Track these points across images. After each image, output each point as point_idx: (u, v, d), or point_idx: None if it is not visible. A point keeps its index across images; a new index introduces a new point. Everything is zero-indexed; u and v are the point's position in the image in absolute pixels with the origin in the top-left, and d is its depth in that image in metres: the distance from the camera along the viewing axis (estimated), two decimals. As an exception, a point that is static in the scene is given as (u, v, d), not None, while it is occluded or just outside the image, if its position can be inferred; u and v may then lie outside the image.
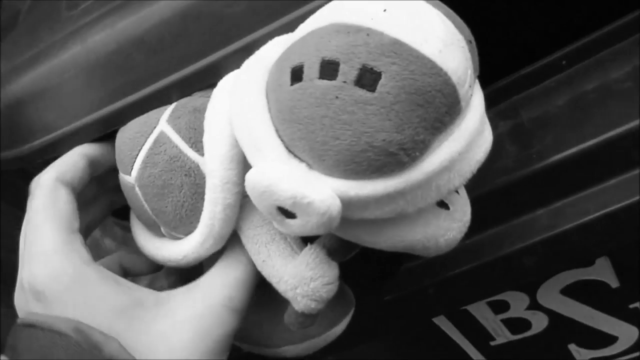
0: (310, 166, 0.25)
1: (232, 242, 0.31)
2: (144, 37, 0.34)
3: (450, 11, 0.26)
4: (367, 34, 0.23)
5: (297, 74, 0.25)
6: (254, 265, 0.31)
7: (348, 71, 0.23)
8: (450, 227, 0.27)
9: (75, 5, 0.41)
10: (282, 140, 0.26)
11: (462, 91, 0.24)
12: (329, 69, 0.23)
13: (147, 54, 0.34)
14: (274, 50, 0.28)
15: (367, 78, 0.23)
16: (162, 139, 0.32)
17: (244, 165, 0.29)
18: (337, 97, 0.23)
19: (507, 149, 0.37)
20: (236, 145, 0.28)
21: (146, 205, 0.32)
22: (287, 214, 0.25)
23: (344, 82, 0.23)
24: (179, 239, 0.32)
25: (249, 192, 0.25)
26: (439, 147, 0.24)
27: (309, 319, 0.29)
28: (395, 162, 0.24)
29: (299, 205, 0.24)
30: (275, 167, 0.25)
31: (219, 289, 0.30)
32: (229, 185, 0.29)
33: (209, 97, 0.31)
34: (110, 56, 0.35)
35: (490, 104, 0.36)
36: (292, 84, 0.24)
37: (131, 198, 0.33)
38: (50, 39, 0.39)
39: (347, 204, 0.24)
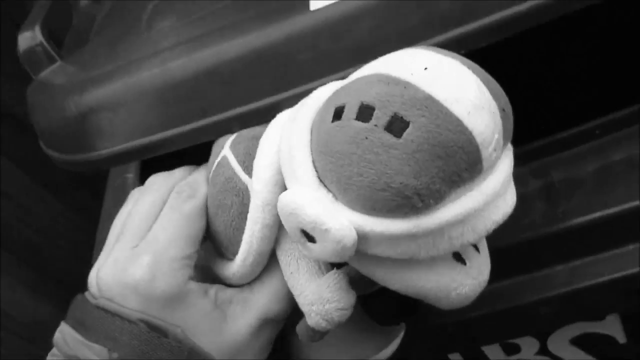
0: (335, 197, 0.27)
1: (273, 259, 0.34)
2: (218, 69, 0.37)
3: (490, 78, 0.28)
4: (405, 87, 0.26)
5: (338, 113, 0.27)
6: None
7: (381, 116, 0.25)
8: (464, 282, 0.29)
9: (154, 25, 0.44)
10: (316, 169, 0.28)
11: (485, 152, 0.26)
12: (365, 113, 0.26)
13: (219, 85, 0.37)
14: (326, 93, 0.30)
15: (397, 125, 0.25)
16: (223, 162, 0.34)
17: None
18: (366, 138, 0.25)
19: (536, 205, 0.40)
20: (280, 172, 0.31)
21: (209, 226, 0.35)
22: (309, 237, 0.27)
23: (375, 125, 0.25)
24: (231, 260, 0.35)
25: (279, 212, 0.28)
26: (456, 201, 0.26)
27: (317, 334, 0.31)
28: (410, 205, 0.25)
29: (318, 230, 0.26)
30: (304, 193, 0.27)
31: (263, 302, 0.33)
32: (269, 207, 0.31)
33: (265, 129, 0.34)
34: (185, 82, 0.38)
35: (525, 161, 0.40)
36: (332, 121, 0.27)
37: None
38: (129, 56, 0.42)
39: (362, 237, 0.27)
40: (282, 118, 0.33)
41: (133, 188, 0.55)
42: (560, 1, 0.31)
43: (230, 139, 0.36)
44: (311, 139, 0.29)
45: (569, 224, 0.39)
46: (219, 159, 0.35)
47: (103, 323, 0.31)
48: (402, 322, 0.36)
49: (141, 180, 0.54)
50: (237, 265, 0.34)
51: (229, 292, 0.34)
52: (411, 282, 0.28)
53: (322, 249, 0.27)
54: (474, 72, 0.27)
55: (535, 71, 0.41)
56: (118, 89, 0.41)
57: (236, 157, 0.34)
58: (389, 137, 0.25)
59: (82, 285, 0.35)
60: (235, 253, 0.34)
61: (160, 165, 0.51)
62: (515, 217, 0.36)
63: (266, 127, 0.34)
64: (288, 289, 0.33)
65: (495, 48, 0.34)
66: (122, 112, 0.41)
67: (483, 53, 0.33)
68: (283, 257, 0.32)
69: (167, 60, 0.39)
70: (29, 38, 0.47)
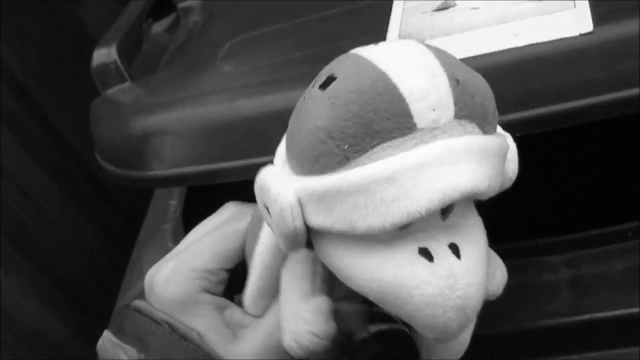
0: (290, 166, 0.27)
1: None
2: (283, 114, 0.39)
3: (448, 54, 0.27)
4: (350, 56, 0.27)
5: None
6: None
7: (319, 78, 0.26)
8: (427, 280, 0.25)
9: (228, 63, 0.47)
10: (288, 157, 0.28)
11: (416, 107, 0.24)
12: (327, 82, 0.26)
13: (282, 128, 0.40)
14: None
15: (327, 81, 0.25)
16: None
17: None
18: (304, 98, 0.27)
19: (563, 294, 0.41)
20: None
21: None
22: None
23: (312, 86, 0.26)
24: None
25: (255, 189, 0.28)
26: (383, 157, 0.24)
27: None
28: (327, 152, 0.25)
29: (268, 201, 0.26)
30: (268, 169, 0.27)
31: (270, 327, 0.32)
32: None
33: None
34: (251, 120, 0.41)
35: (560, 251, 0.41)
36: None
37: None
38: (200, 88, 0.45)
39: (303, 204, 0.26)
40: None
41: (175, 214, 0.57)
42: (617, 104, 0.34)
43: None
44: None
45: (592, 317, 0.40)
46: None
47: (135, 324, 0.32)
48: None
49: (184, 206, 0.56)
50: (249, 290, 0.33)
51: (248, 317, 0.34)
52: (369, 272, 0.26)
53: (272, 221, 0.27)
54: (428, 47, 0.26)
55: (584, 169, 0.43)
56: (185, 117, 0.43)
57: None
58: (317, 92, 0.26)
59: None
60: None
61: (205, 195, 0.53)
62: (541, 302, 0.38)
63: None
64: None
65: (549, 139, 0.36)
66: (185, 137, 0.43)
67: (536, 141, 0.35)
68: (285, 276, 0.31)
69: (237, 98, 0.42)
70: (104, 55, 0.50)
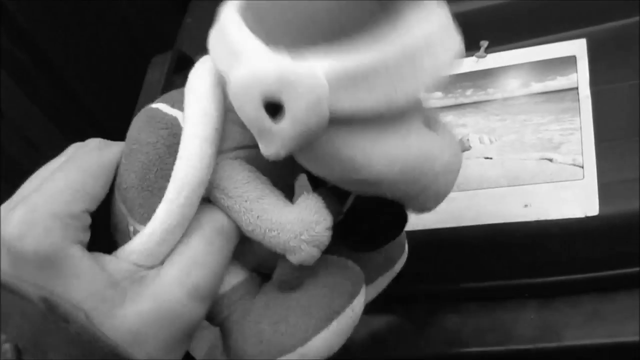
0: (292, 48, 0.24)
1: (193, 225, 0.28)
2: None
3: None
4: None
5: None
6: (221, 237, 0.28)
7: None
8: (443, 148, 0.26)
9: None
10: (261, 39, 0.24)
11: None
12: None
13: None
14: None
15: None
16: (141, 112, 0.29)
17: (223, 117, 0.28)
18: None
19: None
20: (217, 93, 0.27)
21: (117, 196, 0.29)
22: (275, 111, 0.23)
23: None
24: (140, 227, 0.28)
25: (234, 98, 0.24)
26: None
27: (303, 273, 0.28)
28: (369, 12, 0.23)
29: (286, 87, 0.23)
30: (258, 54, 0.24)
31: (181, 274, 0.27)
32: (207, 118, 0.27)
33: None
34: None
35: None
36: None
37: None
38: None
39: (333, 86, 0.23)
40: (201, 62, 0.29)
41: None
42: None
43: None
44: (244, 19, 0.25)
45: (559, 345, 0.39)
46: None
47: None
48: (394, 236, 0.31)
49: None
50: (147, 233, 0.27)
51: (143, 270, 0.27)
52: (393, 152, 0.25)
53: (293, 115, 0.23)
54: None
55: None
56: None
57: (160, 101, 0.29)
58: None
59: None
60: (150, 212, 0.27)
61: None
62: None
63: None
64: (211, 255, 0.27)
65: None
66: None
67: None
68: (237, 206, 0.27)
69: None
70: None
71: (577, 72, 0.43)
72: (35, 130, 0.87)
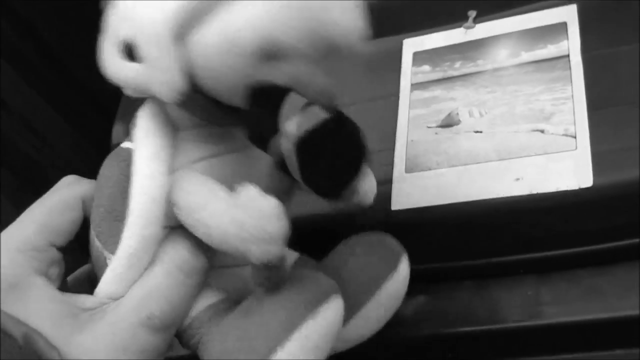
0: None
1: (158, 256, 0.29)
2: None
3: None
4: None
5: None
6: (181, 272, 0.29)
7: None
8: None
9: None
10: None
11: None
12: None
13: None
14: None
15: None
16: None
17: (171, 135, 0.29)
18: None
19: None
20: (158, 115, 0.29)
21: (92, 232, 0.30)
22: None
23: None
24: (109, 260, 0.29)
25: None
26: None
27: (274, 270, 0.28)
28: None
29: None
30: None
31: (137, 304, 0.28)
32: (152, 137, 0.29)
33: None
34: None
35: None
36: None
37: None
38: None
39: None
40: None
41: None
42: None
43: None
44: None
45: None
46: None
47: None
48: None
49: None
50: (119, 254, 0.28)
51: (103, 301, 0.29)
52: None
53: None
54: None
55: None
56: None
57: (127, 140, 0.31)
58: None
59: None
60: (116, 243, 0.28)
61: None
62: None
63: None
64: (170, 285, 0.28)
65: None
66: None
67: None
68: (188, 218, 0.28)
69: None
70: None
71: (567, 39, 0.41)
72: (39, 120, 0.87)
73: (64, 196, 0.31)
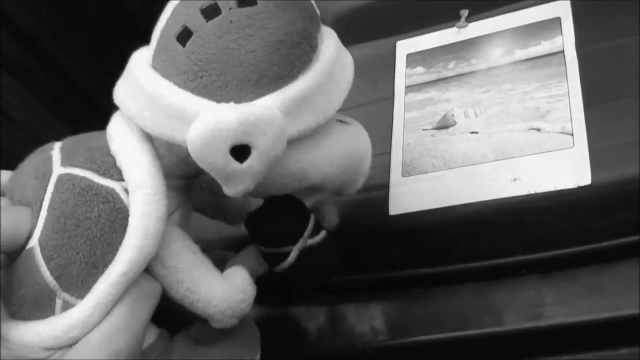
0: (238, 100, 0.26)
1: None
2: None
3: None
4: None
5: (185, 35, 0.27)
6: (142, 307, 0.28)
7: (226, 2, 0.26)
8: (359, 132, 0.32)
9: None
10: (201, 96, 0.26)
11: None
12: (210, 11, 0.26)
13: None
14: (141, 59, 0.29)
15: (243, 2, 0.26)
16: (63, 179, 0.28)
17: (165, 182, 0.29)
18: (231, 22, 0.26)
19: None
20: (156, 157, 0.28)
21: (44, 270, 0.27)
22: (240, 154, 0.26)
23: (230, 8, 0.26)
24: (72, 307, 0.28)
25: (194, 152, 0.25)
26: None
27: (222, 332, 0.31)
28: (303, 52, 0.27)
29: (249, 125, 0.25)
30: (211, 111, 0.25)
31: (103, 342, 0.27)
32: (158, 196, 0.27)
33: (100, 138, 0.29)
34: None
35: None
36: (184, 46, 0.27)
37: (14, 278, 0.28)
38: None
39: (283, 113, 0.26)
40: (117, 121, 0.30)
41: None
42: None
43: (55, 161, 0.29)
44: (171, 84, 0.27)
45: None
46: (53, 181, 0.28)
47: None
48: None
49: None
50: (95, 300, 0.27)
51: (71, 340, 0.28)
52: (330, 151, 0.30)
53: (261, 151, 0.26)
54: None
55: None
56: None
57: (82, 167, 0.28)
58: (248, 9, 0.26)
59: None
60: (92, 286, 0.27)
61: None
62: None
63: (95, 139, 0.30)
64: (132, 326, 0.28)
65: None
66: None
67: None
68: (170, 277, 0.29)
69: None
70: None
71: (562, 34, 0.41)
72: (45, 132, 0.87)
73: None
